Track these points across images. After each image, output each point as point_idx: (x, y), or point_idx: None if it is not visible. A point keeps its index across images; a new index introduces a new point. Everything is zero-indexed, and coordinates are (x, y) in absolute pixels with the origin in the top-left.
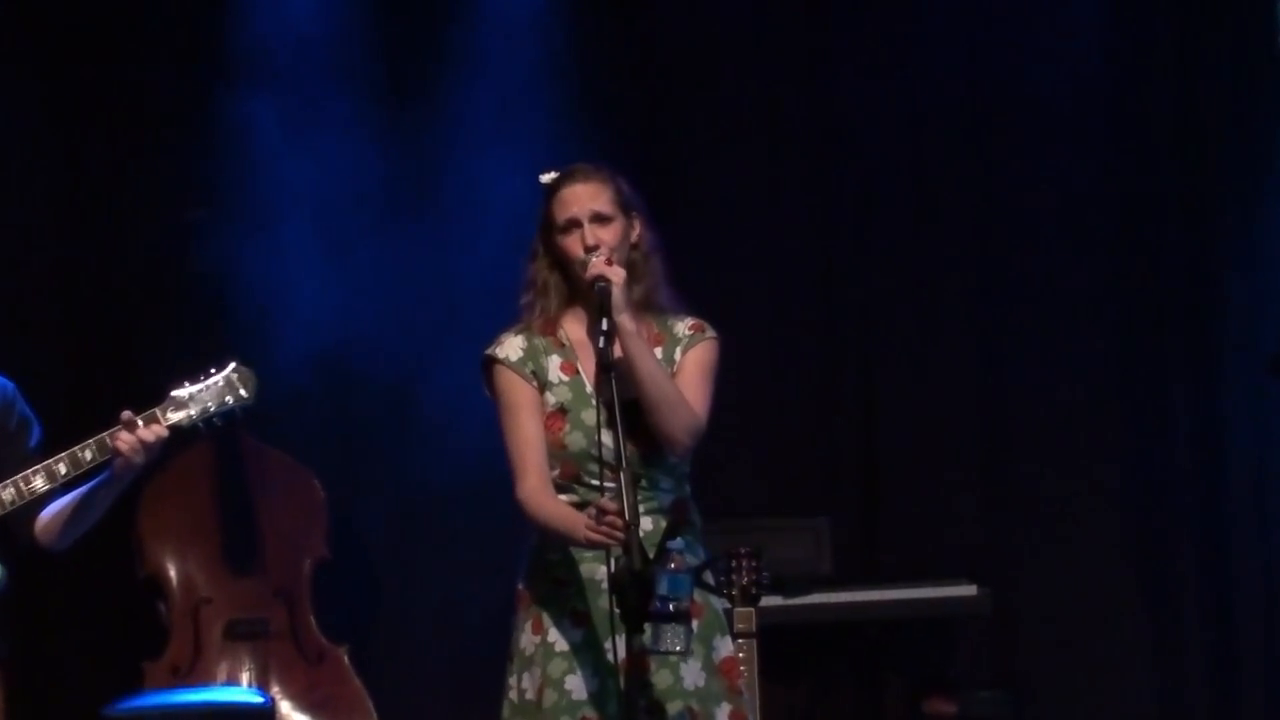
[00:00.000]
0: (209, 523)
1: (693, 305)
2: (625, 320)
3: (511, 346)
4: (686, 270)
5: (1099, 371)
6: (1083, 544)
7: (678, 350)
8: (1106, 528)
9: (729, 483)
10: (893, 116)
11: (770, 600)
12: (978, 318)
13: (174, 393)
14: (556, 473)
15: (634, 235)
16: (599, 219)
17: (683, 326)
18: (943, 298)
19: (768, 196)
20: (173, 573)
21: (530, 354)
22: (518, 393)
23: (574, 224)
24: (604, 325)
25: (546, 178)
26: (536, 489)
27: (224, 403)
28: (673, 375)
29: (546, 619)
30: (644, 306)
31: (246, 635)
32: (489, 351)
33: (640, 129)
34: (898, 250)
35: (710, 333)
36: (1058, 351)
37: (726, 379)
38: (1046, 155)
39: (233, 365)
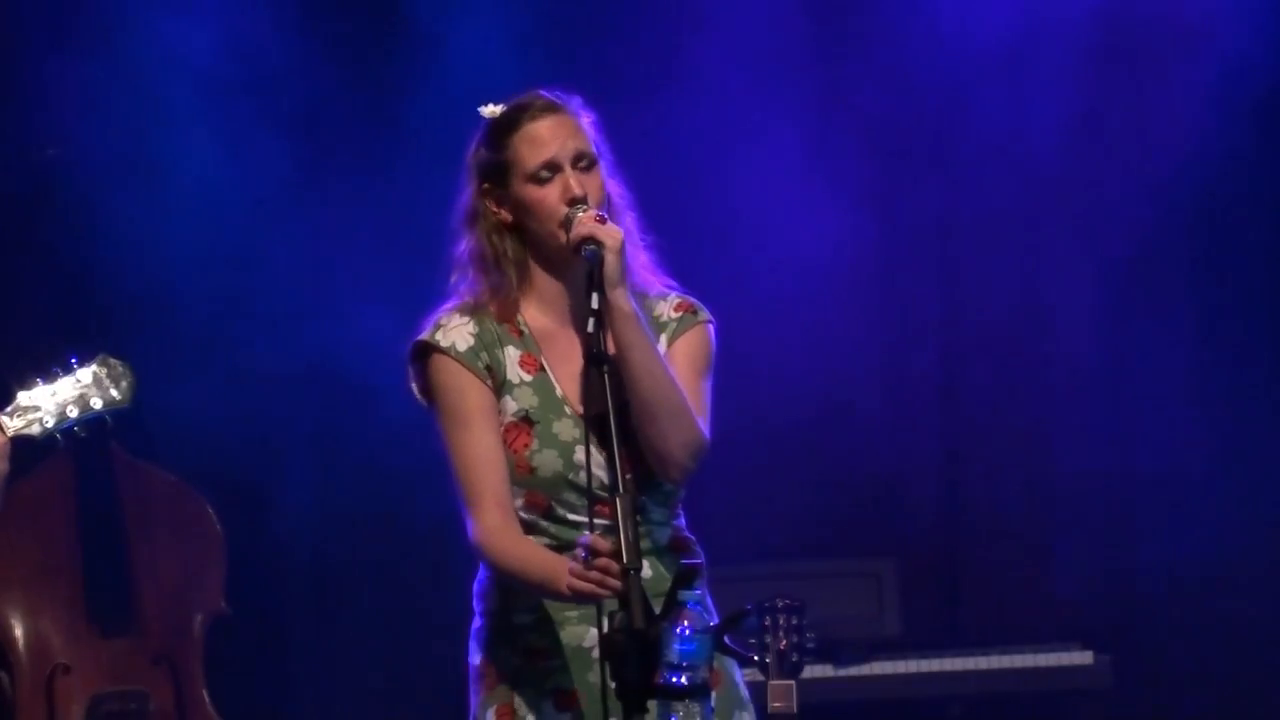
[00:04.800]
0: (67, 566)
1: (702, 288)
2: (620, 298)
3: (459, 332)
4: (704, 242)
5: (1237, 386)
6: (1232, 598)
7: (662, 338)
8: (1263, 577)
9: (762, 515)
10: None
11: (816, 670)
12: (1101, 318)
13: (22, 392)
14: (520, 503)
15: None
16: (582, 161)
17: (666, 308)
18: (1048, 288)
19: (825, 151)
20: (18, 633)
21: (483, 343)
22: (468, 395)
23: (551, 168)
24: (594, 304)
25: (490, 110)
26: (499, 526)
27: (89, 406)
28: None
29: (521, 703)
30: None
31: (118, 715)
32: (426, 337)
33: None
34: (998, 231)
35: (704, 315)
36: (1185, 348)
37: (759, 380)
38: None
39: (101, 357)
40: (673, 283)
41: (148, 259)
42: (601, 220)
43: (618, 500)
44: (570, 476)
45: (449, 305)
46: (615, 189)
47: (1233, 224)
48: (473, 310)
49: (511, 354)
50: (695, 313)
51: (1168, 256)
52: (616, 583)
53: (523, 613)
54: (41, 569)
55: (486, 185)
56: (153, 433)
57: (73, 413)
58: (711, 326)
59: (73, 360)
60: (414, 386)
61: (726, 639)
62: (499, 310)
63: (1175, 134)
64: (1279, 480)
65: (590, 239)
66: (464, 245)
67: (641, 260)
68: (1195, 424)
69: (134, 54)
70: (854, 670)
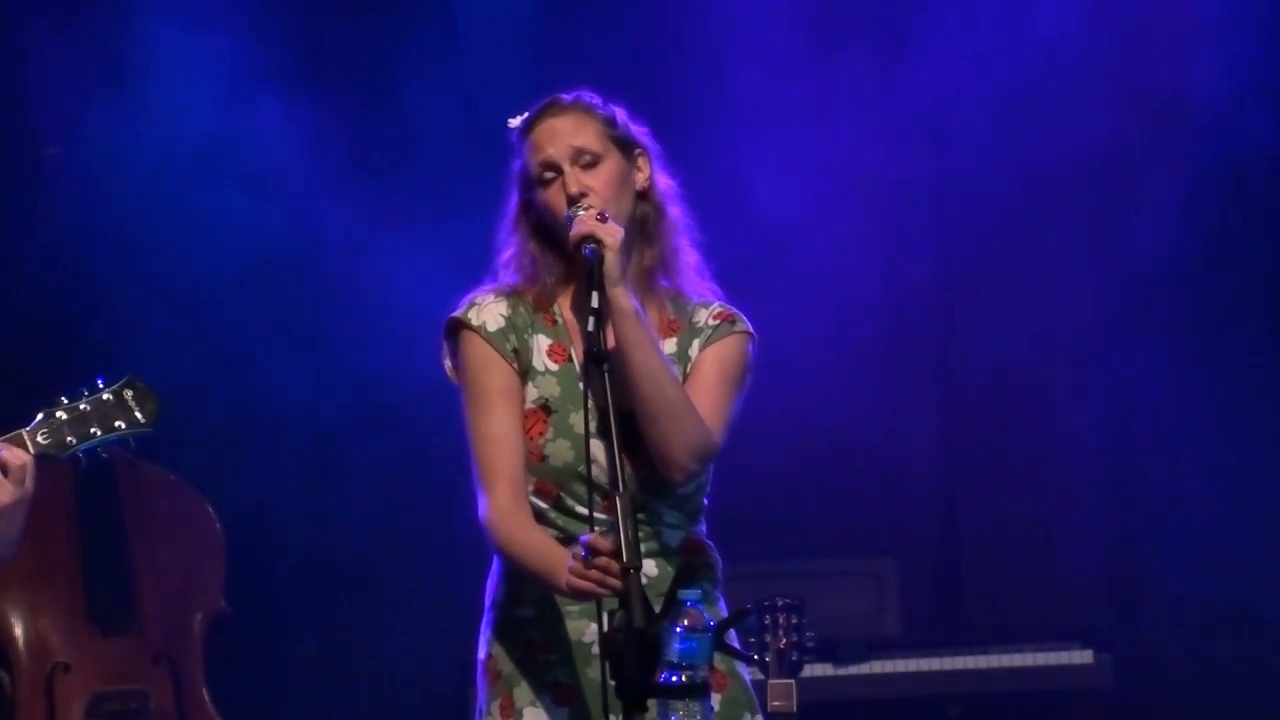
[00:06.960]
0: (67, 566)
1: (728, 291)
2: (620, 296)
3: (491, 312)
4: (721, 243)
5: (1238, 369)
6: (1232, 597)
7: (695, 344)
8: (1263, 575)
9: (764, 514)
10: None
11: (817, 669)
12: (1103, 325)
13: (46, 411)
14: (531, 490)
15: (640, 180)
16: (583, 158)
17: (706, 314)
18: (1051, 289)
19: (841, 166)
20: (18, 631)
21: (513, 326)
22: (492, 374)
23: (551, 169)
24: (594, 301)
25: (516, 121)
26: (509, 508)
27: (113, 427)
28: (686, 375)
29: (520, 696)
30: (652, 281)
31: (118, 714)
32: (459, 314)
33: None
34: (1000, 234)
35: (742, 325)
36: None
37: (769, 382)
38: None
39: (127, 379)
40: (718, 289)
41: (148, 258)
42: (602, 218)
43: (618, 499)
44: (580, 469)
45: (487, 285)
46: (662, 182)
47: (1244, 257)
48: (509, 294)
49: (541, 342)
50: (733, 322)
51: (1170, 275)
52: (616, 582)
53: (525, 606)
54: (41, 568)
55: (521, 194)
56: (152, 431)
57: (96, 433)
58: (749, 340)
59: (99, 381)
60: (446, 364)
61: (726, 638)
62: (536, 298)
63: (1187, 156)
64: (1278, 480)
65: (589, 237)
66: (506, 249)
67: (690, 261)
68: (1195, 426)
69: (139, 50)
70: (854, 669)
